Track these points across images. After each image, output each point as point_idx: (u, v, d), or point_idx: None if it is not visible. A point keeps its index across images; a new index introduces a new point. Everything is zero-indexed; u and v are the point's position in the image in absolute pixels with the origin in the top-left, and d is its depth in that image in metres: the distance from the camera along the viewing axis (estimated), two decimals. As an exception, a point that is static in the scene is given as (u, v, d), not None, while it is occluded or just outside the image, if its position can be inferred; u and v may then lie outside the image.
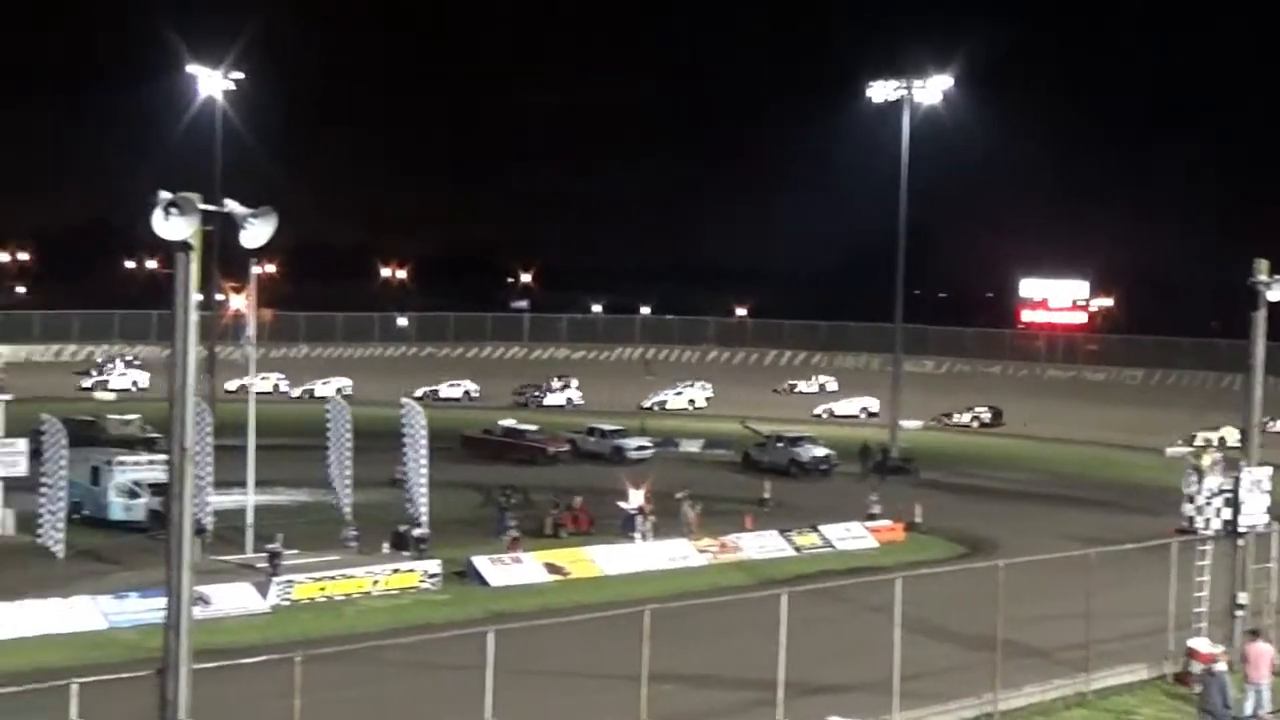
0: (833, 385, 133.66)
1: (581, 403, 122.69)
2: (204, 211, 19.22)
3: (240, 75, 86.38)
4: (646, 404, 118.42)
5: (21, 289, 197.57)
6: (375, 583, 53.17)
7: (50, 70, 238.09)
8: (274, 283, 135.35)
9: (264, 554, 53.39)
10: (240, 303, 64.38)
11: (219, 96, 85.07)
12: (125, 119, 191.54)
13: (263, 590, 50.49)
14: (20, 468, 59.77)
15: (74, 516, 58.06)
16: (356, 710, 34.52)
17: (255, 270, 61.25)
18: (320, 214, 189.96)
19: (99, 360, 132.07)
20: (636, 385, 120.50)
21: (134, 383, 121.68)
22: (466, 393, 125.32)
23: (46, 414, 59.32)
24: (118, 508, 62.40)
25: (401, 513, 58.86)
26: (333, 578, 52.61)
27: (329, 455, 60.78)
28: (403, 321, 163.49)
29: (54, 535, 54.58)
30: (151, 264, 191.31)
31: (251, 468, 57.81)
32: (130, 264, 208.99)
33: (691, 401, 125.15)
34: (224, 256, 56.86)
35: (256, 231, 19.77)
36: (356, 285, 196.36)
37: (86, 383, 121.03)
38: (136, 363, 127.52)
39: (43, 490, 55.27)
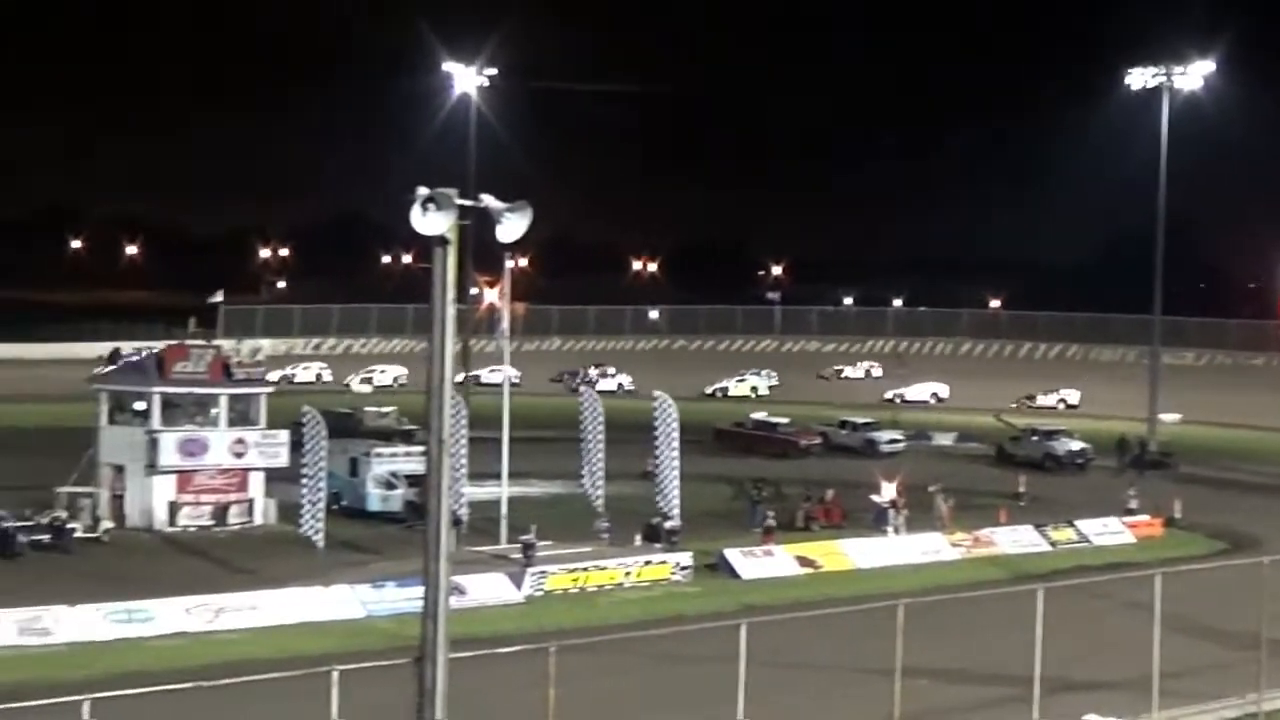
0: (877, 371, 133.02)
1: (633, 389, 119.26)
2: (461, 207, 19.39)
3: (494, 71, 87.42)
4: (709, 390, 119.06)
5: (281, 284, 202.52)
6: (627, 574, 53.48)
7: (308, 70, 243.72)
8: (526, 277, 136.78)
9: (518, 545, 54.01)
10: (494, 297, 65.20)
11: (473, 93, 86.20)
12: (381, 116, 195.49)
13: (517, 581, 51.08)
14: (282, 459, 61.26)
15: (333, 507, 59.28)
16: (610, 701, 34.69)
17: (509, 264, 61.96)
18: (572, 208, 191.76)
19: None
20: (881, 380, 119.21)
21: (395, 378, 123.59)
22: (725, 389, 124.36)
23: (307, 406, 60.66)
24: (375, 499, 63.58)
25: (653, 505, 59.10)
26: (585, 569, 53.03)
27: (583, 448, 61.27)
28: (654, 315, 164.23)
29: (314, 525, 55.80)
30: (407, 259, 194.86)
31: (506, 460, 58.48)
32: (386, 259, 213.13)
33: (754, 389, 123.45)
34: (478, 251, 57.55)
35: (512, 226, 19.89)
36: (608, 279, 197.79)
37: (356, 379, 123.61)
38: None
39: (303, 481, 56.53)
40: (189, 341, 68.10)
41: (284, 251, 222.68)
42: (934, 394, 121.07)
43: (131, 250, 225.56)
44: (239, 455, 61.08)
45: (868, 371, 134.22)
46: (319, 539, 55.53)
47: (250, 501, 61.38)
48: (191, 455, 60.26)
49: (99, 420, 61.74)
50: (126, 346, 71.33)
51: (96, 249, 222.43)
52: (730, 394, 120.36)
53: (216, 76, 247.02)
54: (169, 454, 59.79)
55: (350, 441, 67.41)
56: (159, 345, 67.49)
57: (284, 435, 61.87)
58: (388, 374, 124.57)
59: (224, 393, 61.97)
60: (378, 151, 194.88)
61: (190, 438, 60.53)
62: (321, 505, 55.99)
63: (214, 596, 46.10)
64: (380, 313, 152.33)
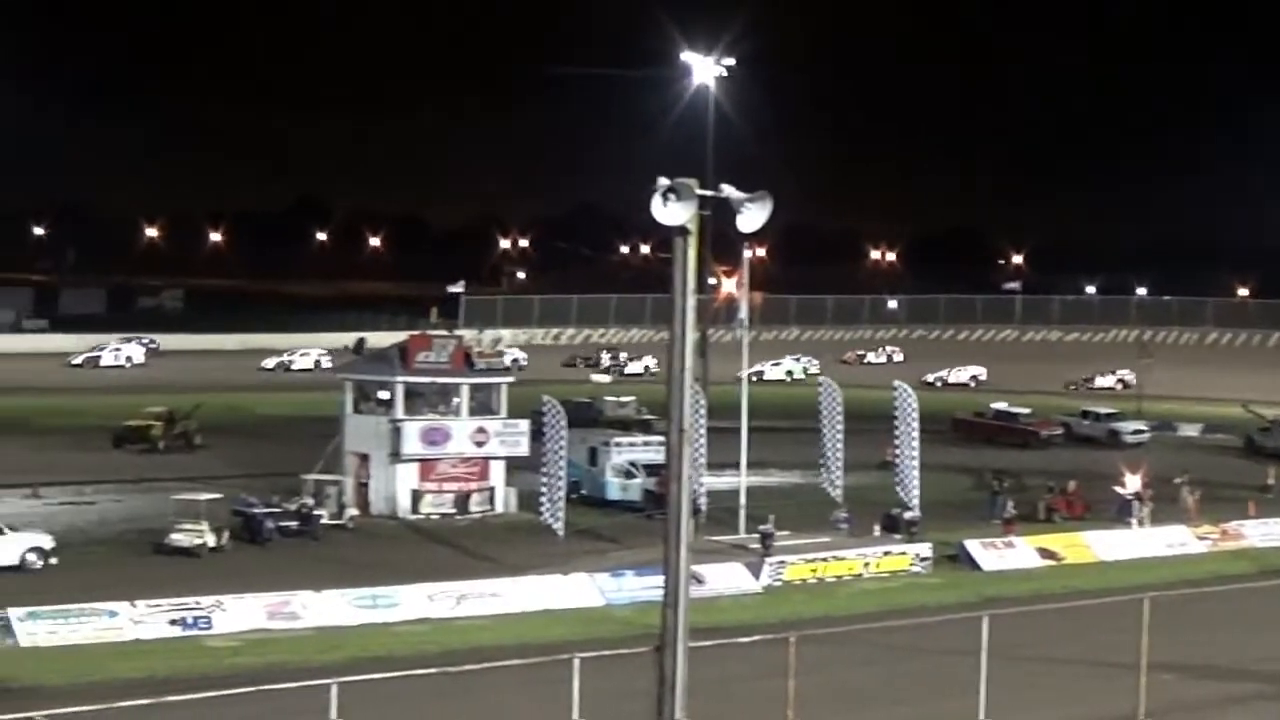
0: (899, 356, 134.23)
1: (659, 370, 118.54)
2: (701, 197, 19.39)
3: (731, 61, 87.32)
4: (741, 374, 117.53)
5: (521, 274, 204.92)
6: (866, 565, 53.17)
7: (546, 63, 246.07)
8: (764, 266, 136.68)
9: (756, 535, 53.96)
10: (732, 286, 65.19)
11: (711, 83, 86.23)
12: (619, 108, 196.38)
13: (755, 570, 51.05)
14: (522, 448, 61.92)
15: (572, 495, 59.72)
16: (849, 693, 34.49)
17: (747, 254, 61.88)
18: (809, 198, 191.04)
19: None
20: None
21: (645, 366, 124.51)
22: (974, 377, 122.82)
23: (547, 396, 61.24)
24: (614, 487, 63.97)
25: (892, 495, 58.67)
26: (824, 559, 52.83)
27: (822, 437, 61.03)
28: (893, 304, 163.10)
29: (554, 514, 56.30)
30: (645, 249, 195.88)
31: (745, 449, 58.46)
32: (624, 249, 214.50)
33: (789, 373, 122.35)
34: (716, 240, 57.59)
35: (752, 216, 19.82)
36: (844, 268, 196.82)
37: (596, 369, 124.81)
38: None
39: (543, 470, 57.07)
40: (431, 332, 69.14)
41: (523, 242, 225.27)
42: (973, 377, 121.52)
43: (375, 242, 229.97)
44: (480, 444, 61.87)
45: (889, 357, 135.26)
46: (559, 527, 56.02)
47: (491, 490, 62.15)
48: (434, 444, 61.21)
49: (344, 409, 62.99)
50: (371, 336, 72.79)
51: (342, 242, 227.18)
52: (766, 378, 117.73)
53: (456, 73, 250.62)
54: (412, 443, 60.78)
55: (590, 431, 67.95)
56: (402, 336, 68.64)
57: (524, 424, 62.52)
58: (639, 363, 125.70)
59: (466, 382, 62.81)
60: (616, 143, 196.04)
61: (433, 427, 61.47)
62: (561, 494, 56.46)
63: (456, 583, 46.76)
64: (619, 303, 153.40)
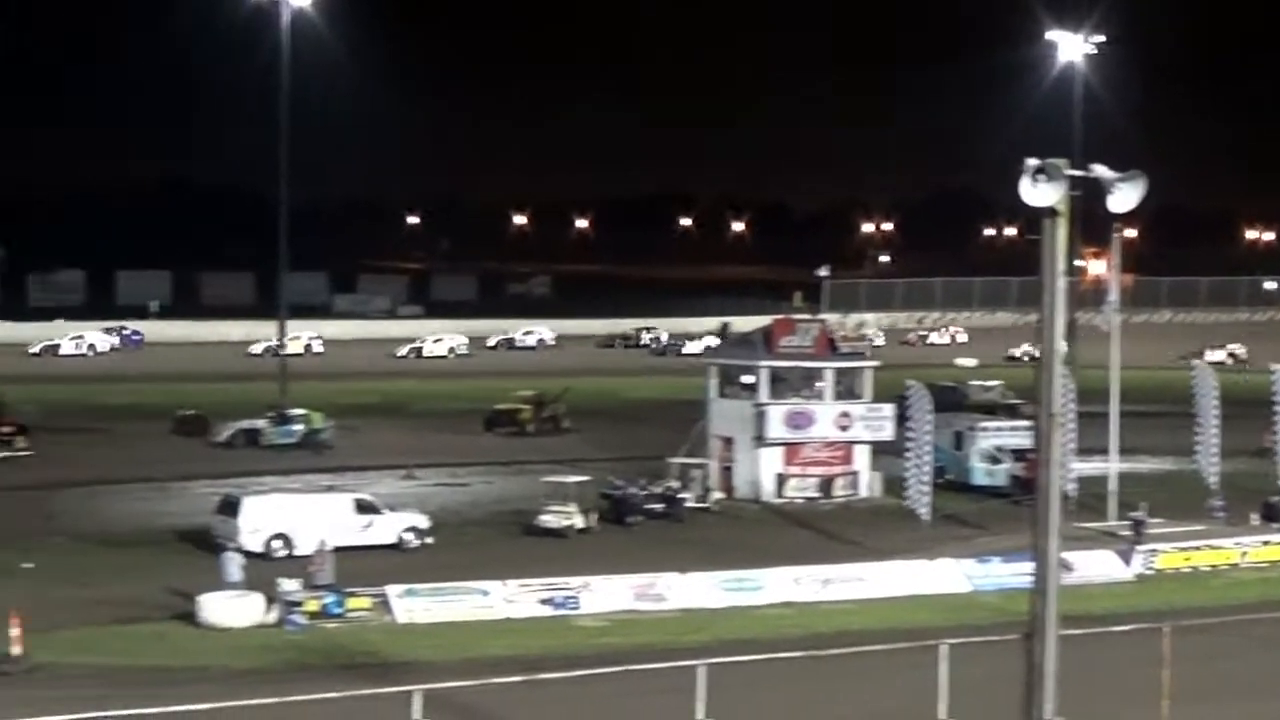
0: (963, 336, 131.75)
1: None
2: (1070, 177, 19.01)
3: (1101, 39, 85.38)
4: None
5: (885, 257, 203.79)
6: (1243, 555, 51.47)
7: (912, 42, 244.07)
8: (1134, 247, 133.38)
9: (1127, 522, 52.71)
10: (1101, 268, 63.79)
11: (1079, 61, 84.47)
12: (988, 87, 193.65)
13: (1126, 558, 49.88)
14: (887, 432, 61.55)
15: (937, 481, 59.14)
16: (1225, 685, 33.40)
17: (1117, 235, 60.47)
18: (1181, 177, 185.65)
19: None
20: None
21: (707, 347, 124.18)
22: None
23: (912, 380, 60.77)
24: (980, 473, 63.16)
25: (1270, 483, 56.68)
26: (1198, 548, 51.35)
27: (1196, 423, 59.31)
28: (1271, 285, 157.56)
29: (920, 498, 55.86)
30: (1010, 231, 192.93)
31: (1115, 435, 57.16)
32: (990, 231, 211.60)
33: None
34: (1084, 221, 56.49)
35: (1124, 196, 19.35)
36: (1220, 248, 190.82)
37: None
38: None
39: (908, 454, 56.66)
40: (796, 316, 69.21)
41: (887, 226, 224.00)
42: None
43: (738, 227, 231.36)
44: (844, 428, 61.70)
45: (953, 337, 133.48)
46: (924, 512, 55.56)
47: (855, 474, 61.92)
48: (798, 428, 61.27)
49: (709, 393, 63.48)
50: (735, 321, 73.18)
51: (706, 226, 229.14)
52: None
53: (816, 59, 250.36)
54: (776, 427, 60.94)
55: (955, 415, 67.19)
56: (766, 320, 68.79)
57: (888, 409, 62.14)
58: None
59: (830, 366, 62.71)
60: (985, 122, 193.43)
61: (797, 410, 61.54)
62: (927, 478, 55.99)
63: (821, 567, 46.75)
64: (983, 286, 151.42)
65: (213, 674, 36.02)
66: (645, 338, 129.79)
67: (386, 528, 50.59)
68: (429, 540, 50.88)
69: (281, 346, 79.65)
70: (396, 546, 50.19)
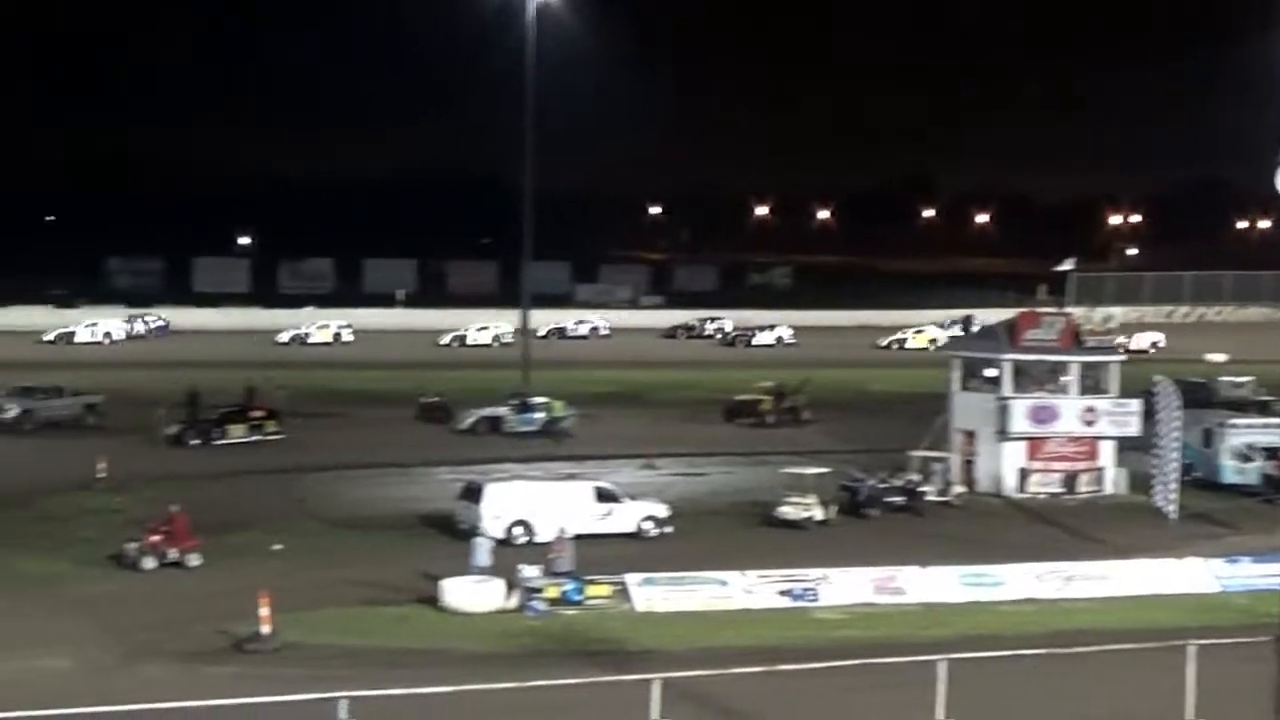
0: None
1: (794, 342, 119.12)
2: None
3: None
4: (883, 343, 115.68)
5: (1132, 250, 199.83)
6: None
7: (1163, 33, 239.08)
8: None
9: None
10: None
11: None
12: (1240, 76, 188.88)
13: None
14: (1133, 428, 60.36)
15: (1185, 478, 57.87)
16: None
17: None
18: None
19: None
20: None
21: (779, 338, 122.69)
22: None
23: (1159, 375, 59.56)
24: (1230, 470, 61.62)
25: None
26: None
27: None
28: None
29: (1166, 496, 54.71)
30: (1264, 224, 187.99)
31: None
32: (1242, 224, 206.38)
33: (933, 341, 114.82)
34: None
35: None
36: None
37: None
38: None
39: (1155, 451, 55.53)
40: (1040, 309, 68.19)
41: (1135, 218, 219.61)
42: (1153, 344, 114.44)
43: (982, 219, 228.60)
44: (1089, 423, 60.63)
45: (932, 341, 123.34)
46: (1171, 510, 54.38)
47: (1100, 470, 60.82)
48: (1042, 422, 60.35)
49: (951, 386, 62.83)
50: (978, 314, 72.33)
51: (948, 218, 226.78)
52: (908, 345, 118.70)
53: (1060, 46, 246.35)
54: (1020, 421, 60.12)
55: (1203, 412, 65.64)
56: (1010, 313, 67.89)
57: (1135, 404, 60.93)
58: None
59: (1075, 360, 61.67)
60: (1235, 114, 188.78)
61: (1041, 405, 60.63)
62: (1174, 476, 54.80)
63: (1064, 564, 45.98)
64: (1234, 279, 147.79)
65: (453, 657, 36.54)
66: (709, 328, 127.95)
67: (626, 516, 50.91)
68: (668, 529, 51.08)
69: (526, 335, 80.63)
70: (636, 535, 50.48)
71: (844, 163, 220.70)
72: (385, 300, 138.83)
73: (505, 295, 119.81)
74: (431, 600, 41.11)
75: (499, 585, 41.47)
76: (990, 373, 61.83)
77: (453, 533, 48.83)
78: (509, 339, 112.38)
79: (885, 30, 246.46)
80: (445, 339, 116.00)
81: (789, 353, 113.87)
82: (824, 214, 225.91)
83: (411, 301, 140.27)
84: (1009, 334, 62.14)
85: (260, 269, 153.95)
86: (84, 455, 59.43)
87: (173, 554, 44.69)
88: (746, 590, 42.84)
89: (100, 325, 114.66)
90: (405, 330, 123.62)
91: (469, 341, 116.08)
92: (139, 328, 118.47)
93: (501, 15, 75.95)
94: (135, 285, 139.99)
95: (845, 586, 43.46)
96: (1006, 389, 60.75)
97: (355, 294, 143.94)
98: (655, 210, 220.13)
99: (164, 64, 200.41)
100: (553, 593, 41.36)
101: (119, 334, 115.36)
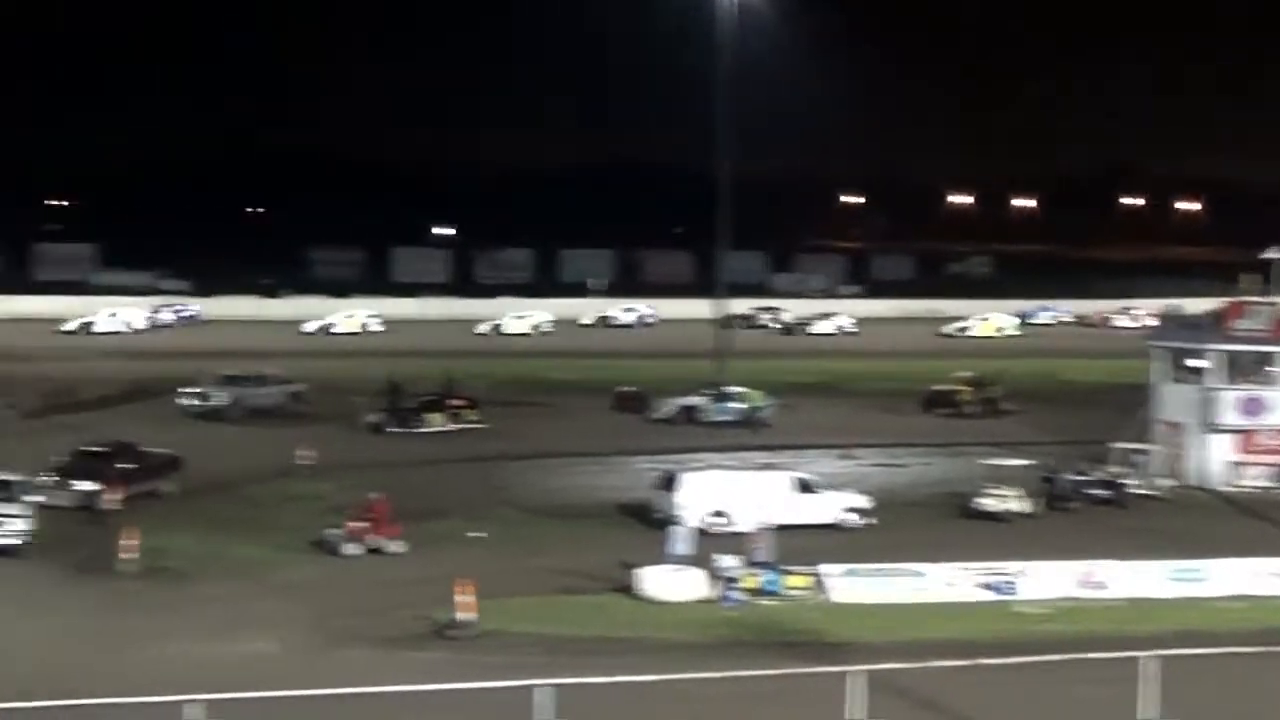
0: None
1: (854, 331, 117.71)
2: None
3: None
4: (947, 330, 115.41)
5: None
6: None
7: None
8: None
9: None
10: None
11: None
12: None
13: None
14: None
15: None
16: None
17: None
18: None
19: None
20: None
21: (839, 327, 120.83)
22: None
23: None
24: None
25: None
26: None
27: None
28: None
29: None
30: None
31: None
32: None
33: (999, 329, 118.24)
34: None
35: None
36: None
37: None
38: None
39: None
40: (1248, 298, 66.57)
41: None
42: None
43: (1189, 206, 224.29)
44: (1300, 415, 59.16)
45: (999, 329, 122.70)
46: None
47: (1311, 463, 59.31)
48: (1251, 414, 59.00)
49: (1155, 377, 61.61)
50: (1184, 303, 70.74)
51: (1152, 206, 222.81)
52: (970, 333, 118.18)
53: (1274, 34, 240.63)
54: (1228, 412, 58.82)
55: None
56: (1217, 302, 66.37)
57: None
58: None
59: (1287, 350, 60.11)
60: None
61: (1250, 396, 59.26)
62: None
63: (1278, 560, 44.76)
64: None
65: (651, 646, 36.56)
66: (764, 318, 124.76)
67: (824, 507, 50.60)
68: (867, 521, 50.68)
69: (731, 324, 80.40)
70: (834, 526, 50.16)
71: (1047, 151, 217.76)
72: (581, 290, 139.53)
73: (700, 284, 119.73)
74: (629, 589, 41.16)
75: (697, 575, 41.41)
76: (1196, 363, 60.50)
77: (649, 522, 48.87)
78: (548, 328, 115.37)
79: (1097, 18, 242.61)
80: (482, 328, 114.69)
81: (988, 344, 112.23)
82: (1026, 202, 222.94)
83: (607, 291, 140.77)
84: (1215, 324, 60.77)
85: (458, 259, 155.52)
86: (287, 443, 60.51)
87: (374, 540, 45.26)
88: (946, 583, 42.33)
89: (121, 314, 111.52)
90: (599, 320, 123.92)
91: (504, 330, 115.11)
92: (167, 316, 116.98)
93: (699, 2, 75.84)
94: (337, 275, 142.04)
95: (1046, 580, 42.74)
96: (1214, 380, 59.42)
97: (552, 284, 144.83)
98: (852, 199, 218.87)
99: (364, 59, 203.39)
100: (750, 583, 41.22)
101: (141, 323, 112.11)
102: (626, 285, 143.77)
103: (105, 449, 52.62)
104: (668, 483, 50.40)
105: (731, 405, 71.21)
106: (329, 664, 34.89)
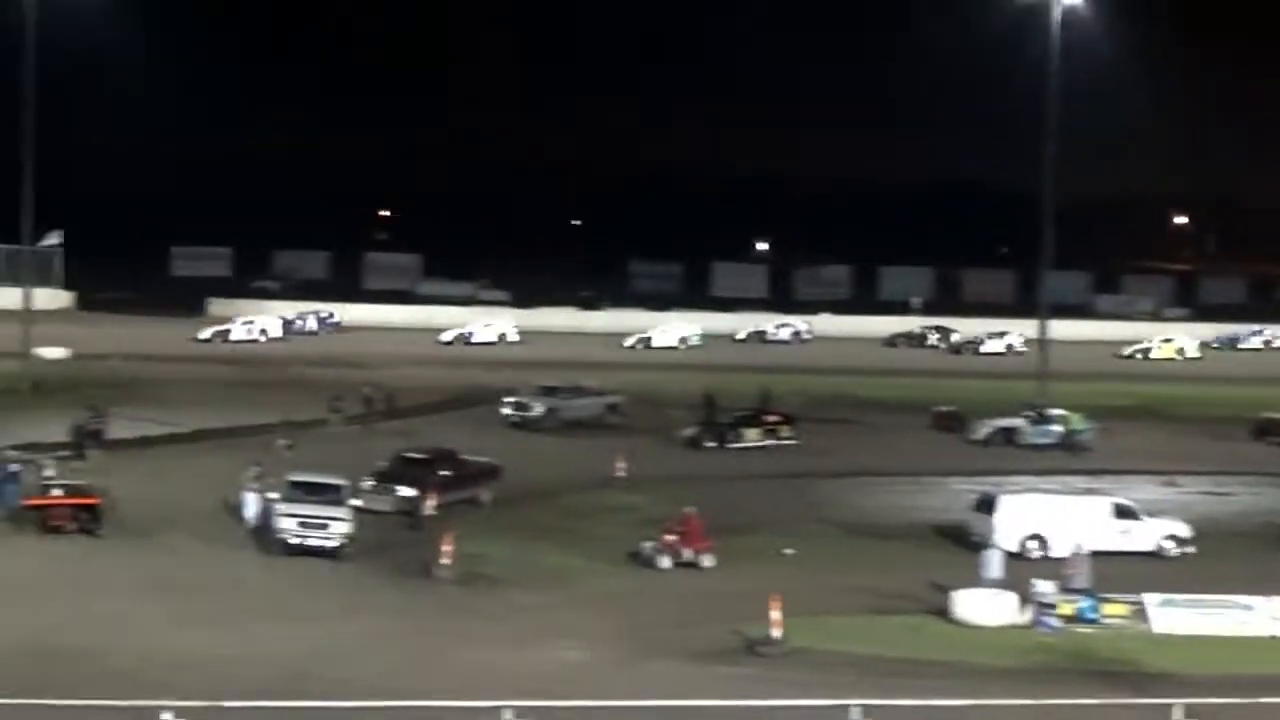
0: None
1: (1024, 351, 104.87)
2: None
3: None
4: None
5: None
6: None
7: None
8: None
9: None
10: None
11: None
12: None
13: None
14: None
15: None
16: None
17: None
18: None
19: None
20: None
21: (1008, 345, 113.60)
22: None
23: None
24: None
25: None
26: None
27: None
28: None
29: None
30: None
31: None
32: None
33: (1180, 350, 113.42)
34: None
35: None
36: None
37: None
38: None
39: None
40: None
41: None
42: None
43: None
44: None
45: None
46: None
47: None
48: None
49: None
50: None
51: None
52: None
53: None
54: None
55: None
56: None
57: None
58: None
59: None
60: None
61: None
62: None
63: None
64: None
65: (964, 670, 36.02)
66: (932, 337, 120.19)
67: (1145, 534, 49.32)
68: (1189, 550, 49.25)
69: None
70: (1154, 554, 48.85)
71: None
72: (900, 307, 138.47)
73: (1022, 305, 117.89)
74: (942, 611, 40.65)
75: (1011, 599, 40.72)
76: None
77: (964, 544, 48.20)
78: (696, 342, 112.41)
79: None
80: (629, 341, 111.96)
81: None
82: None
83: (926, 309, 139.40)
84: None
85: (777, 274, 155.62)
86: (603, 454, 61.15)
87: (687, 554, 45.45)
88: (1273, 617, 40.85)
89: (257, 321, 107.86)
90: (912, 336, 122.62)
91: (653, 344, 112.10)
92: (311, 323, 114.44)
93: (1027, 18, 74.77)
94: (655, 289, 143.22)
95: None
96: None
97: (870, 301, 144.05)
98: (1180, 219, 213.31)
99: (678, 67, 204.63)
100: (1067, 609, 40.38)
101: (275, 330, 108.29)
102: (945, 304, 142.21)
103: (426, 455, 53.85)
104: (985, 505, 49.66)
105: (1051, 428, 69.86)
106: (639, 675, 35.12)
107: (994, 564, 42.69)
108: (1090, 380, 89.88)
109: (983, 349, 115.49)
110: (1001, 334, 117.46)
